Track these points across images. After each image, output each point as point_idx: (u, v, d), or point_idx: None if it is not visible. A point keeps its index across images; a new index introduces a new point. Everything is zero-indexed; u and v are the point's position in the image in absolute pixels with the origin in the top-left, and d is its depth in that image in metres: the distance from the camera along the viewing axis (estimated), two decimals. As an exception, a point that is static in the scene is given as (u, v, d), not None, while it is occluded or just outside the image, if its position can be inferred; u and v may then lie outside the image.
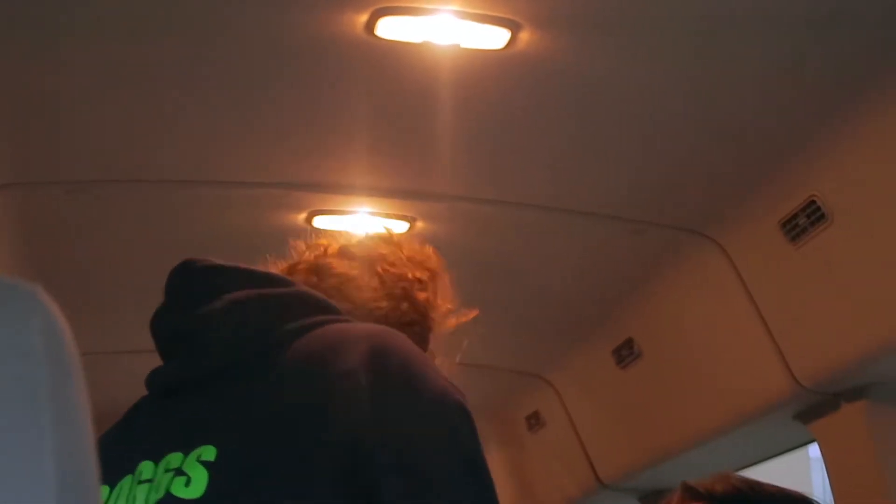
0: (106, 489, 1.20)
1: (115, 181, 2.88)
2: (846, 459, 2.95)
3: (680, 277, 3.27)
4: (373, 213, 3.10)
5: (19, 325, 0.60)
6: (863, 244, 2.58)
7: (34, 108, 2.46)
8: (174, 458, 1.17)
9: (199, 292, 1.27)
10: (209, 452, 1.15)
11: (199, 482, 1.13)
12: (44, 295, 0.63)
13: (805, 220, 2.68)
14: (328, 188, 2.96)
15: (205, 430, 1.18)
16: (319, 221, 3.05)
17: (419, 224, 3.12)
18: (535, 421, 4.60)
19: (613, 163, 2.78)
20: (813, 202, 2.63)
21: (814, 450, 3.90)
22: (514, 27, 2.16)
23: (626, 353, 3.68)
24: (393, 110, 2.55)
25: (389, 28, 2.18)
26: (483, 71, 2.34)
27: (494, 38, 2.20)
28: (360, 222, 3.13)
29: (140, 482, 1.18)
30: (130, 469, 1.20)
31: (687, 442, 3.57)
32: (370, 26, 2.17)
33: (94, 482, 0.61)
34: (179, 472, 1.15)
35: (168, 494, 1.14)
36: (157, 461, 1.18)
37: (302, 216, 3.04)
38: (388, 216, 3.13)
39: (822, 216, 2.62)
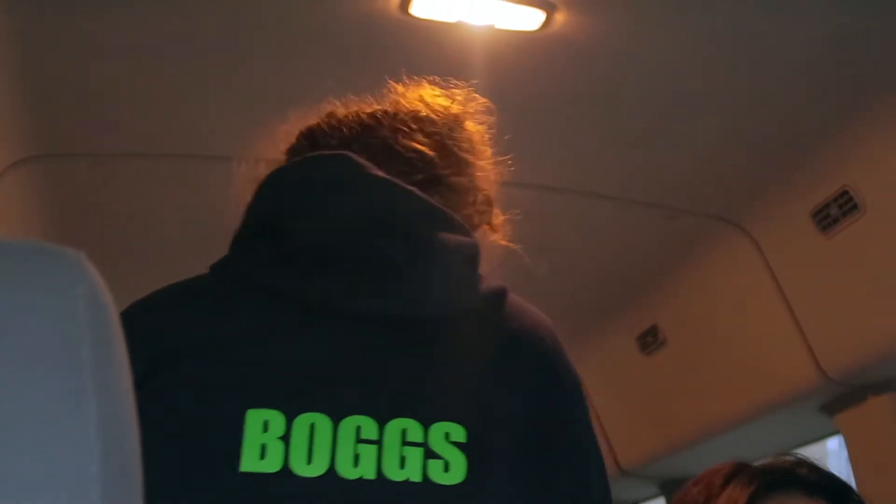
0: (277, 416, 1.03)
1: (143, 154, 2.88)
2: (871, 452, 2.93)
3: (708, 266, 3.25)
4: (400, 194, 3.09)
5: (63, 292, 0.60)
6: (895, 236, 2.55)
7: (61, 81, 2.46)
8: (412, 428, 1.04)
9: (387, 213, 1.13)
10: (458, 432, 1.05)
11: (457, 469, 1.04)
12: (87, 262, 0.62)
13: (837, 211, 2.65)
14: (356, 167, 2.95)
15: (429, 397, 1.07)
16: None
17: (446, 206, 3.11)
18: (556, 406, 4.60)
19: (645, 148, 2.76)
20: (846, 192, 2.61)
21: (832, 442, 3.88)
22: (550, 8, 2.15)
23: (650, 340, 3.67)
24: (424, 90, 2.54)
25: (424, 7, 2.17)
26: (517, 53, 2.32)
27: (530, 19, 2.18)
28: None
29: (361, 440, 1.03)
30: (322, 406, 1.04)
31: (709, 431, 3.56)
32: (404, 5, 2.16)
33: (135, 449, 0.60)
34: (430, 452, 1.04)
35: (427, 481, 1.03)
36: (376, 419, 1.04)
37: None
38: (416, 197, 3.12)
39: (855, 207, 2.60)
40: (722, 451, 3.55)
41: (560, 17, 2.17)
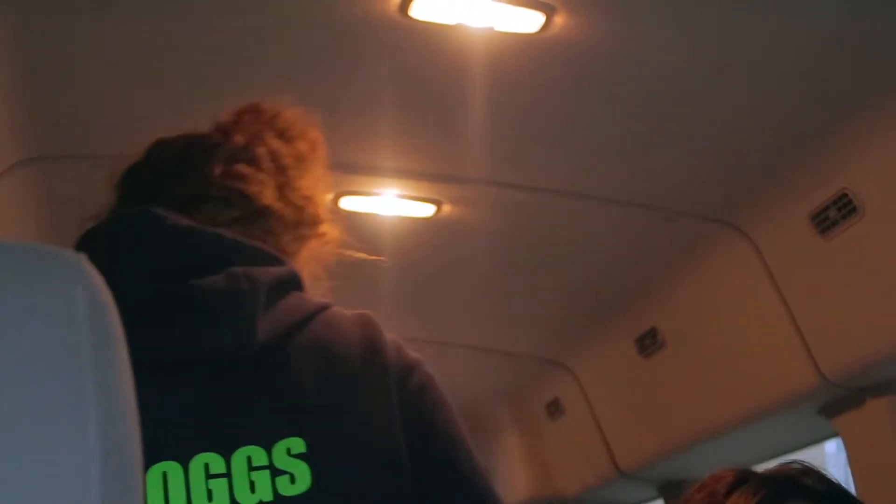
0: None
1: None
2: (870, 455, 2.93)
3: (707, 268, 3.25)
4: (399, 196, 3.09)
5: (64, 293, 0.60)
6: (894, 239, 2.55)
7: (61, 82, 2.46)
8: (256, 454, 1.12)
9: (195, 259, 1.19)
10: (298, 445, 1.13)
11: (302, 479, 1.12)
12: (87, 264, 0.63)
13: (836, 214, 2.65)
14: (355, 169, 2.95)
15: (265, 421, 1.14)
16: (346, 202, 3.04)
17: (446, 207, 3.11)
18: (555, 408, 4.60)
19: (643, 151, 2.77)
20: (845, 195, 2.61)
21: (829, 445, 3.87)
22: (550, 11, 2.15)
23: (649, 342, 3.67)
24: (423, 92, 2.54)
25: (423, 9, 2.17)
26: (516, 55, 2.32)
27: (529, 21, 2.19)
28: (386, 204, 3.12)
29: (211, 476, 1.11)
30: (170, 454, 1.11)
31: (708, 433, 3.56)
32: (404, 7, 2.16)
33: (136, 450, 0.61)
34: (277, 470, 1.12)
35: (278, 497, 1.11)
36: (221, 454, 1.11)
37: (328, 197, 3.03)
38: (415, 199, 3.12)
39: (854, 209, 2.60)
40: (721, 453, 3.55)
41: (559, 20, 2.17)
